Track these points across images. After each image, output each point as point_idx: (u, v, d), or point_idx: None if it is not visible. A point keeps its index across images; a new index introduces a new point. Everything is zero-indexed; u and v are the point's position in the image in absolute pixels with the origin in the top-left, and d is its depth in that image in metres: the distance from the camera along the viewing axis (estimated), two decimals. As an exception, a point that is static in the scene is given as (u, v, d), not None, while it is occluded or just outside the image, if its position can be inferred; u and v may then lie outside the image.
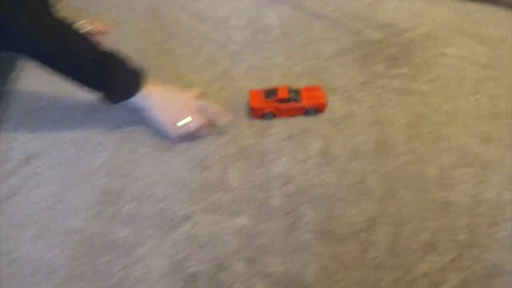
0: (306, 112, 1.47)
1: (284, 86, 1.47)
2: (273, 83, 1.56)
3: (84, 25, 1.68)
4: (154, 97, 1.35)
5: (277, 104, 1.44)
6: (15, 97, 1.57)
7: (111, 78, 1.31)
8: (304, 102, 1.45)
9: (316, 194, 1.32)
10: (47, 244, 1.24)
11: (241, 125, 1.47)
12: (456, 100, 1.55)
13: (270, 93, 1.46)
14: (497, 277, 1.18)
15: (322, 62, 1.65)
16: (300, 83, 1.55)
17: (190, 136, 1.40)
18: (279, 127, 1.46)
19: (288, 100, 1.44)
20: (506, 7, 1.92)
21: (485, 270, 1.19)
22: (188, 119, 1.36)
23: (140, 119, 1.44)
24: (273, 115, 1.47)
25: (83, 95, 1.36)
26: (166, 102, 1.37)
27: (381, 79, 1.60)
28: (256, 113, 1.47)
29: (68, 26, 1.25)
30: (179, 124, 1.36)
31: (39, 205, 1.31)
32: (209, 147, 1.41)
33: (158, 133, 1.42)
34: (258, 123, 1.48)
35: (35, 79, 1.61)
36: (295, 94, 1.45)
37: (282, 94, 1.44)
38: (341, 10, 1.85)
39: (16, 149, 1.42)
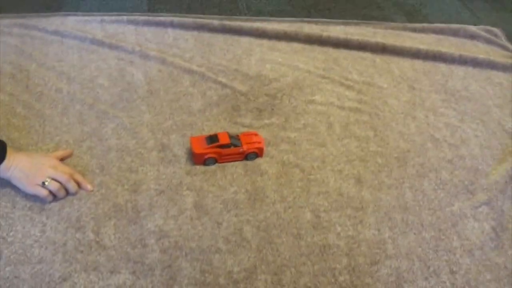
0: (246, 156, 1.50)
1: (224, 132, 1.49)
2: (141, 141, 1.54)
3: None
4: (15, 168, 1.34)
5: (219, 149, 1.45)
6: None
7: None
8: (245, 147, 1.47)
9: (192, 247, 1.29)
10: None
11: (112, 183, 1.43)
12: (326, 145, 1.59)
13: (212, 139, 1.47)
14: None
15: (190, 117, 1.65)
16: (169, 139, 1.55)
17: (55, 196, 1.36)
18: (150, 183, 1.43)
19: (229, 145, 1.45)
20: (371, 51, 2.00)
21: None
22: (47, 181, 1.34)
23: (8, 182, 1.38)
24: (215, 161, 1.48)
25: None
26: (26, 171, 1.34)
27: (249, 130, 1.60)
28: (197, 159, 1.47)
29: None
30: (45, 184, 1.33)
31: None
32: (82, 207, 1.36)
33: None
34: (130, 179, 1.44)
35: None
36: (235, 140, 1.48)
37: (223, 140, 1.45)
38: (206, 65, 1.87)
39: None
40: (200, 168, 1.48)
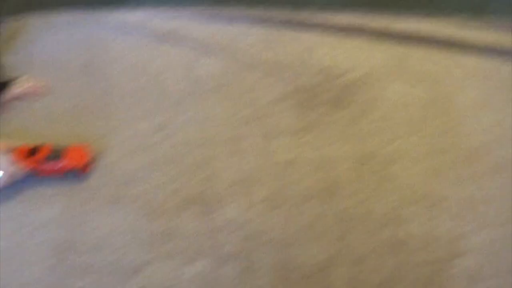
0: (65, 172, 1.42)
1: (47, 145, 1.41)
2: (213, 133, 1.56)
3: (20, 84, 1.68)
4: None
5: (38, 163, 1.39)
6: None
7: None
8: (65, 163, 1.40)
9: (269, 238, 1.28)
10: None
11: (183, 175, 1.44)
12: (400, 139, 1.56)
13: (33, 151, 1.40)
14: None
15: (260, 109, 1.64)
16: (238, 132, 1.56)
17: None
18: (225, 172, 1.44)
19: (48, 159, 1.39)
20: (440, 46, 1.96)
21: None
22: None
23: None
24: (35, 173, 1.41)
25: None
26: None
27: (323, 122, 1.59)
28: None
29: None
30: None
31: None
32: (158, 196, 1.38)
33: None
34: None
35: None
36: (58, 154, 1.40)
37: (43, 153, 1.39)
38: (274, 59, 1.86)
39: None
40: (275, 158, 1.49)
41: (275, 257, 1.25)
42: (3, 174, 1.33)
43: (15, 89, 1.67)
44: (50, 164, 1.38)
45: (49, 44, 1.89)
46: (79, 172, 1.41)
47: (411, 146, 1.55)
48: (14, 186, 1.39)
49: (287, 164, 1.47)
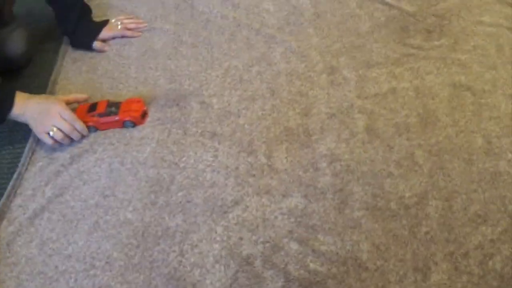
0: (123, 124, 1.47)
1: (104, 101, 1.48)
2: (310, 64, 1.56)
3: (118, 22, 1.75)
4: (26, 115, 1.38)
5: (97, 118, 1.45)
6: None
7: None
8: (120, 116, 1.45)
9: (364, 171, 1.31)
10: (100, 238, 1.24)
11: (283, 106, 1.47)
12: (496, 68, 1.54)
13: (92, 107, 1.47)
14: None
15: (358, 39, 1.65)
16: (338, 62, 1.56)
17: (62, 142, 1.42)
18: (321, 106, 1.46)
19: (105, 114, 1.45)
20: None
21: (539, 239, 1.17)
22: (53, 130, 1.38)
23: (179, 108, 1.48)
24: (95, 129, 1.47)
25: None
26: (35, 117, 1.39)
27: (419, 52, 1.59)
28: None
29: None
30: (50, 134, 1.38)
31: (88, 202, 1.31)
32: (253, 132, 1.41)
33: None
34: (301, 103, 1.48)
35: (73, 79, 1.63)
36: (114, 108, 1.47)
37: (100, 109, 1.45)
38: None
39: (60, 149, 1.43)
40: (371, 89, 1.49)
41: (370, 190, 1.28)
42: (55, 132, 1.39)
43: (113, 29, 1.74)
44: (108, 118, 1.45)
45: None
46: (136, 123, 1.47)
47: (508, 75, 1.52)
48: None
49: (383, 95, 1.48)
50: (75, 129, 1.41)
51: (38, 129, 1.39)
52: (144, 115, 1.49)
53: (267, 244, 1.20)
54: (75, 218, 1.28)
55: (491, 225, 1.20)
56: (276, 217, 1.24)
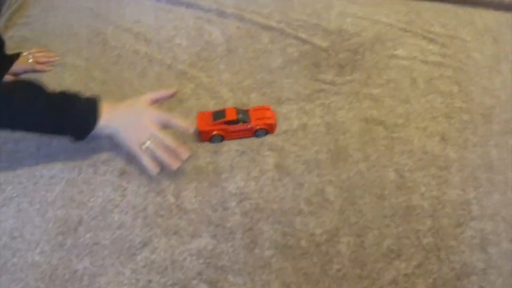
0: (255, 133, 1.42)
1: (232, 107, 1.43)
2: (221, 101, 1.54)
3: (29, 55, 1.70)
4: (114, 122, 1.31)
5: (226, 126, 1.39)
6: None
7: (70, 118, 1.28)
8: (253, 123, 1.40)
9: (274, 209, 1.28)
10: (8, 281, 1.18)
11: (193, 145, 1.44)
12: (409, 102, 1.54)
13: (218, 114, 1.41)
14: (467, 277, 1.15)
15: (270, 75, 1.63)
16: (249, 98, 1.54)
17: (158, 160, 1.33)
18: (231, 144, 1.43)
19: (236, 121, 1.39)
20: (453, 2, 1.92)
21: (454, 272, 1.16)
22: (149, 141, 1.29)
23: (92, 147, 1.42)
24: (222, 138, 1.42)
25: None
26: (126, 124, 1.32)
27: (331, 87, 1.58)
28: (204, 136, 1.42)
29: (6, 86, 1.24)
30: (144, 146, 1.29)
31: (-3, 243, 1.25)
32: (161, 171, 1.37)
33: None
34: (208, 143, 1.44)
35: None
36: (244, 115, 1.41)
37: (230, 116, 1.39)
38: (285, 21, 1.84)
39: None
40: (281, 126, 1.47)
41: (280, 228, 1.25)
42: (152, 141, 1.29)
43: (24, 63, 1.68)
44: (240, 126, 1.40)
45: (60, 14, 1.89)
46: (269, 131, 1.43)
47: (421, 109, 1.52)
48: (23, 164, 1.40)
49: (293, 132, 1.46)
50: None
51: (131, 140, 1.30)
52: (275, 123, 1.44)
53: (176, 287, 1.16)
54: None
55: (405, 260, 1.19)
56: (185, 259, 1.20)
